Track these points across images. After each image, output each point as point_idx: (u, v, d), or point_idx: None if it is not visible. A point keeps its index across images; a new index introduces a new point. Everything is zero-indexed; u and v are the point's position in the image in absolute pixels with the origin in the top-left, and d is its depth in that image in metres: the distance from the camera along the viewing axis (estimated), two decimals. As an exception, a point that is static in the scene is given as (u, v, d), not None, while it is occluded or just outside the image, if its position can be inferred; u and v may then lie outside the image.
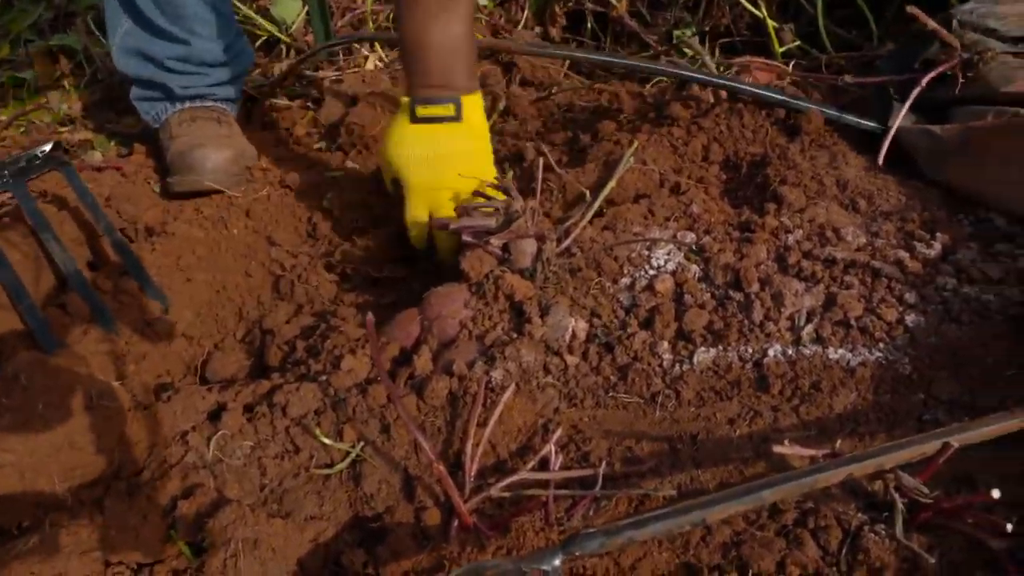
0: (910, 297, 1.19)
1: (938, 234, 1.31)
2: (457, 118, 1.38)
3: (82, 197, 1.58)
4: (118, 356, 1.33)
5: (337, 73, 2.27)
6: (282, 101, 2.19)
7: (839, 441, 1.01)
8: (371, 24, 2.43)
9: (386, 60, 2.36)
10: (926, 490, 0.89)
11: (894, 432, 1.03)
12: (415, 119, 1.38)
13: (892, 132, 1.49)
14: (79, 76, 2.37)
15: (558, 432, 1.08)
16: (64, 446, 1.05)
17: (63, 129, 2.14)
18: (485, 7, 2.61)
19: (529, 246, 1.27)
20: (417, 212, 1.44)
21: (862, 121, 1.59)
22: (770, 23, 2.27)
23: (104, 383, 1.18)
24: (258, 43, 2.51)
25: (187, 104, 1.85)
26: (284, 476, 1.11)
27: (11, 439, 1.01)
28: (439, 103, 1.37)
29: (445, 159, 1.39)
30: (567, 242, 1.32)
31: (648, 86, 2.22)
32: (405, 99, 1.40)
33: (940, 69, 1.51)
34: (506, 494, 1.03)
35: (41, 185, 1.67)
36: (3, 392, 1.07)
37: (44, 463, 1.03)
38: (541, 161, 1.41)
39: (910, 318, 1.16)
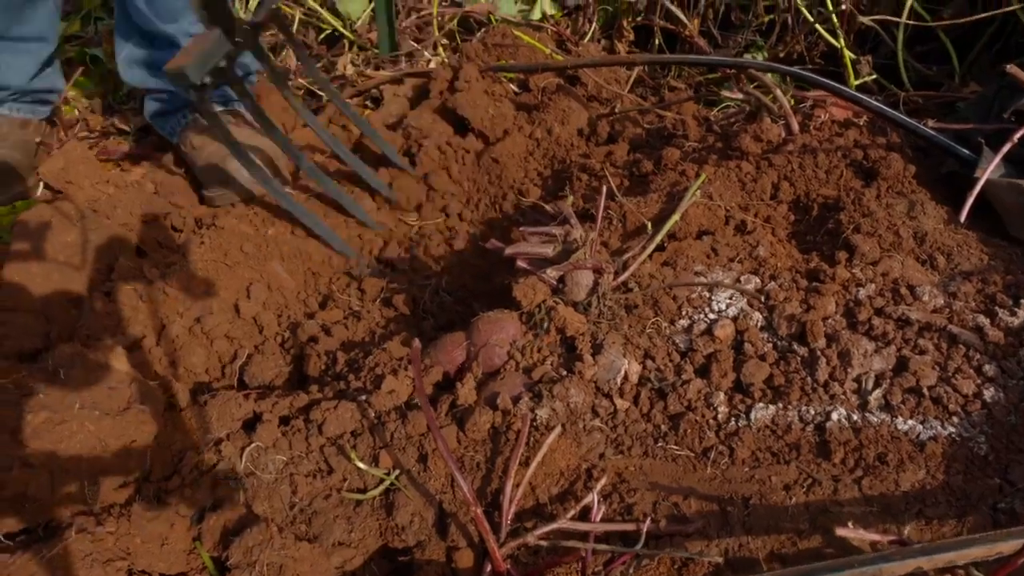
0: (989, 369, 1.11)
1: (1022, 300, 1.22)
2: None
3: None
4: (157, 353, 1.32)
5: (398, 72, 2.24)
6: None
7: (906, 525, 0.94)
8: (436, 27, 2.39)
9: (448, 62, 2.33)
10: (1002, 593, 0.82)
11: (965, 519, 0.96)
12: None
13: (980, 184, 1.40)
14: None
15: (602, 480, 1.03)
16: (97, 448, 1.02)
17: (126, 108, 2.14)
18: (552, 17, 2.56)
19: (586, 278, 1.22)
20: None
21: (959, 148, 1.50)
22: (847, 54, 2.18)
23: (143, 383, 1.16)
24: (322, 36, 2.50)
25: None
26: (315, 496, 1.07)
27: (44, 438, 0.99)
28: None
29: None
30: (625, 276, 1.27)
31: (715, 110, 2.15)
32: None
33: (1036, 123, 1.42)
34: (543, 542, 0.98)
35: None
36: (42, 387, 1.05)
37: (75, 465, 1.00)
38: (604, 188, 1.36)
39: (988, 392, 1.08)
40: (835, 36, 2.24)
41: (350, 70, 2.27)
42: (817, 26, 2.27)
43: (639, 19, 2.53)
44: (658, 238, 1.33)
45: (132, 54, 1.80)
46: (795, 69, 1.65)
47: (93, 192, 1.66)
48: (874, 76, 2.23)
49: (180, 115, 1.86)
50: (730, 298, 1.26)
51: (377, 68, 2.29)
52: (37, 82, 1.81)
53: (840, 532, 0.88)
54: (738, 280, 1.30)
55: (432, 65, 2.29)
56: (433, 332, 1.41)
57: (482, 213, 1.82)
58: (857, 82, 2.19)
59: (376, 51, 2.38)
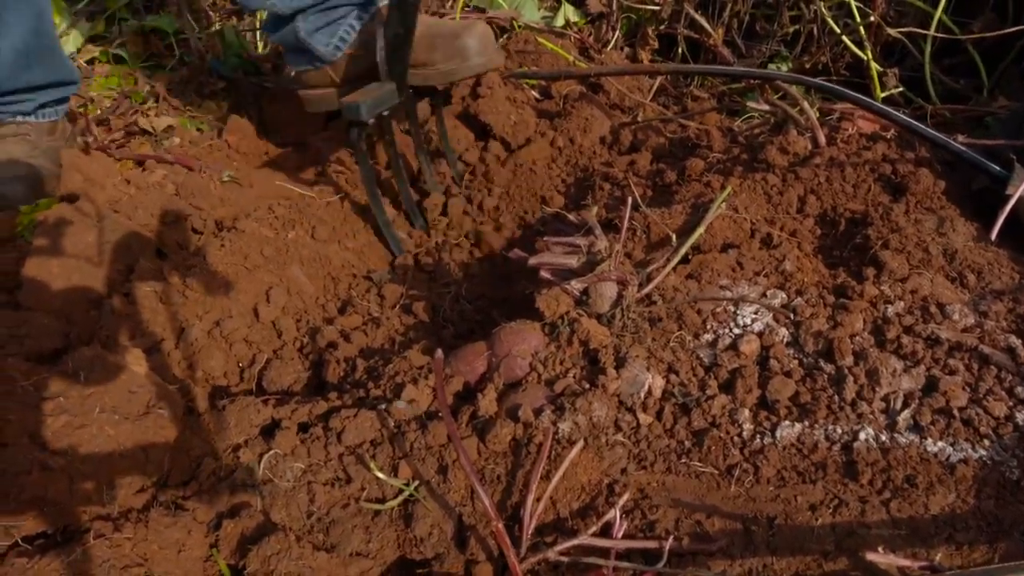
0: (1021, 391, 1.09)
1: (1055, 322, 1.20)
2: None
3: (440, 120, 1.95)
4: (176, 356, 1.31)
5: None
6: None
7: (934, 549, 0.92)
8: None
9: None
10: (1037, 624, 0.80)
11: (997, 544, 0.93)
12: None
13: (1013, 201, 1.38)
14: (169, 57, 2.39)
15: (624, 496, 1.02)
16: (116, 452, 1.02)
17: (148, 108, 2.15)
18: (575, 24, 2.54)
19: (610, 290, 1.20)
20: None
21: (990, 164, 1.47)
22: (874, 66, 2.16)
23: (162, 386, 1.15)
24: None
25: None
26: (333, 505, 1.06)
27: (63, 441, 0.99)
28: None
29: None
30: (649, 288, 1.25)
31: (739, 121, 2.13)
32: None
33: (1070, 141, 1.39)
34: (564, 558, 0.97)
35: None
36: (61, 388, 1.05)
37: (94, 468, 1.00)
38: (629, 200, 1.34)
39: (1021, 415, 1.06)
40: (861, 48, 2.22)
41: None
42: (844, 37, 2.25)
43: (663, 27, 2.51)
44: (683, 250, 1.32)
45: None
46: (821, 81, 1.63)
47: (114, 192, 1.66)
48: (900, 89, 2.21)
49: (346, 25, 1.81)
50: (756, 313, 1.24)
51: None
52: (51, 76, 1.81)
53: (870, 556, 0.86)
54: (764, 295, 1.28)
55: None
56: (453, 340, 1.40)
57: (505, 220, 1.81)
58: (883, 95, 2.17)
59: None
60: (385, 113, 1.66)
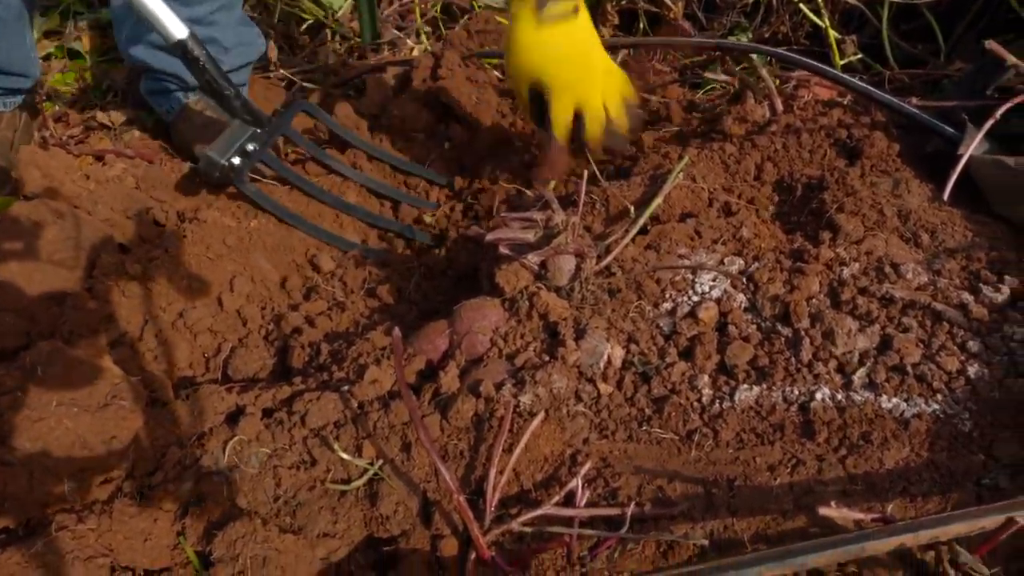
0: (973, 345, 1.11)
1: (1007, 277, 1.22)
2: (576, 12, 1.42)
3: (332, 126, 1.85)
4: (140, 349, 1.31)
5: (381, 61, 2.22)
6: (323, 88, 2.15)
7: (888, 502, 0.94)
8: (419, 15, 2.37)
9: (432, 51, 2.31)
10: (985, 569, 0.82)
11: (950, 495, 0.96)
12: (542, 19, 1.40)
13: (963, 161, 1.40)
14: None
15: (586, 465, 1.03)
16: (76, 445, 1.02)
17: (107, 102, 2.12)
18: (536, 2, 2.53)
19: (567, 263, 1.21)
20: (565, 110, 1.48)
21: (943, 125, 1.49)
22: (832, 33, 2.17)
23: (123, 378, 1.15)
24: (304, 27, 2.48)
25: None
26: (299, 488, 1.07)
27: (22, 436, 0.98)
28: None
29: (585, 53, 1.46)
30: (607, 260, 1.26)
31: (700, 93, 2.14)
32: (525, 4, 1.41)
33: (1018, 99, 1.41)
34: (528, 528, 0.98)
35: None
36: (18, 383, 1.04)
37: (55, 462, 1.00)
38: (585, 173, 1.34)
39: (972, 369, 1.08)
40: (819, 16, 2.22)
41: (333, 59, 2.25)
42: (801, 5, 2.26)
43: (623, 3, 2.50)
44: (640, 221, 1.32)
45: (133, 32, 1.82)
46: (775, 49, 1.64)
47: (74, 188, 1.64)
48: (860, 56, 2.22)
49: (182, 93, 1.89)
50: (714, 280, 1.25)
51: (360, 57, 2.27)
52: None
53: (822, 511, 0.87)
54: (721, 262, 1.29)
55: (415, 53, 2.27)
56: (417, 321, 1.40)
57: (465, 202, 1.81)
58: (843, 62, 2.18)
59: (359, 40, 2.36)
60: (249, 147, 1.64)
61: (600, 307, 1.21)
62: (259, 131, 1.65)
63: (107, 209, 1.60)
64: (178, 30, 1.48)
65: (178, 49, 1.49)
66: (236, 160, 1.59)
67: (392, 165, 1.87)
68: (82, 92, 2.15)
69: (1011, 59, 1.44)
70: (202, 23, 1.73)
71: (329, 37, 2.43)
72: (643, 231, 1.36)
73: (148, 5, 1.46)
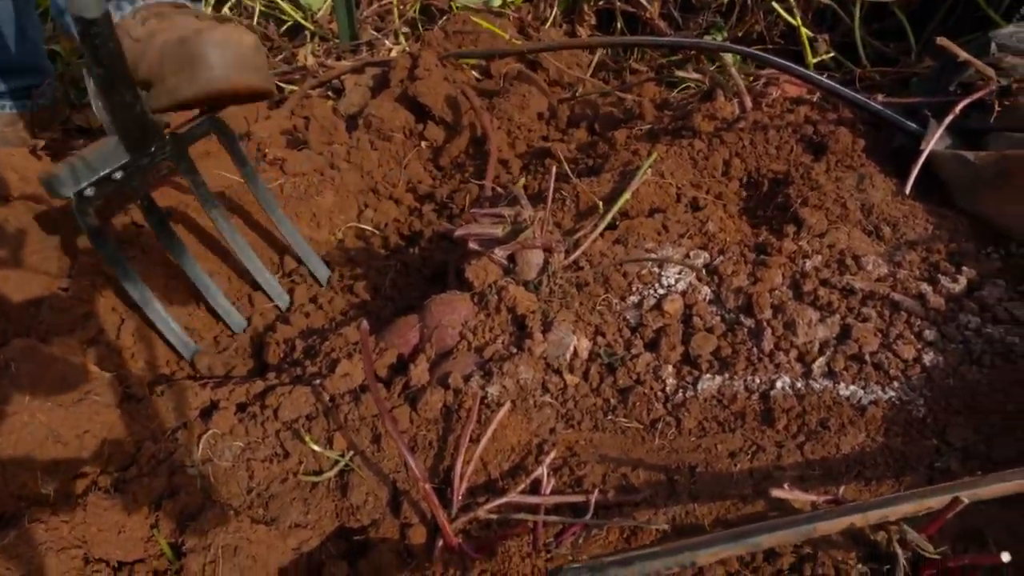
0: (930, 334, 1.14)
1: (964, 268, 1.25)
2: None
3: (236, 159, 1.48)
4: (116, 347, 1.32)
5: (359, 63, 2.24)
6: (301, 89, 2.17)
7: (844, 486, 0.97)
8: (397, 16, 2.39)
9: (410, 51, 2.33)
10: (931, 547, 0.84)
11: (903, 478, 0.98)
12: None
13: (924, 155, 1.43)
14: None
15: (552, 454, 1.05)
16: (49, 439, 1.03)
17: (85, 104, 2.13)
18: (513, 3, 2.56)
19: (536, 258, 1.23)
20: None
21: (906, 121, 1.52)
22: (804, 32, 2.20)
23: (97, 374, 1.16)
24: (283, 28, 2.50)
25: (139, 1, 1.42)
26: (272, 480, 1.09)
27: (-5, 430, 1.00)
28: None
29: None
30: (576, 255, 1.28)
31: (675, 92, 2.17)
32: None
33: (976, 96, 1.44)
34: (494, 516, 1.00)
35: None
36: (-9, 380, 1.06)
37: (28, 456, 1.01)
38: (555, 169, 1.37)
39: (928, 357, 1.11)
40: (792, 15, 2.26)
41: (311, 61, 2.27)
42: (775, 4, 2.29)
43: (600, 3, 2.54)
44: (608, 217, 1.35)
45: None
46: (744, 48, 1.67)
47: (51, 189, 1.66)
48: (832, 54, 2.25)
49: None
50: (679, 273, 1.28)
51: (338, 58, 2.29)
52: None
53: (775, 493, 0.90)
54: (687, 256, 1.32)
55: (393, 54, 2.29)
56: (392, 317, 1.42)
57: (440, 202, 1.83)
58: (815, 60, 2.22)
59: (337, 41, 2.38)
60: (116, 176, 1.27)
61: (568, 300, 1.23)
62: (139, 155, 1.29)
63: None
64: (92, 3, 1.09)
65: (81, 25, 1.10)
66: (89, 192, 1.24)
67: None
68: (61, 94, 2.16)
69: (963, 55, 1.47)
70: None
71: (308, 38, 2.44)
72: (612, 226, 1.39)
73: None
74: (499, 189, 1.45)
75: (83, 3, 1.08)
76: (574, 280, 1.26)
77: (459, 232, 1.21)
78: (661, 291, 1.25)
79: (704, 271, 1.27)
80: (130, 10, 1.39)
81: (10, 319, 1.32)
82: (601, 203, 1.41)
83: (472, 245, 1.23)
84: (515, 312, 1.20)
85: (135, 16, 1.37)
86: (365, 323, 1.03)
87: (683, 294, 1.24)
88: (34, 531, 0.95)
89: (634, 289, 1.26)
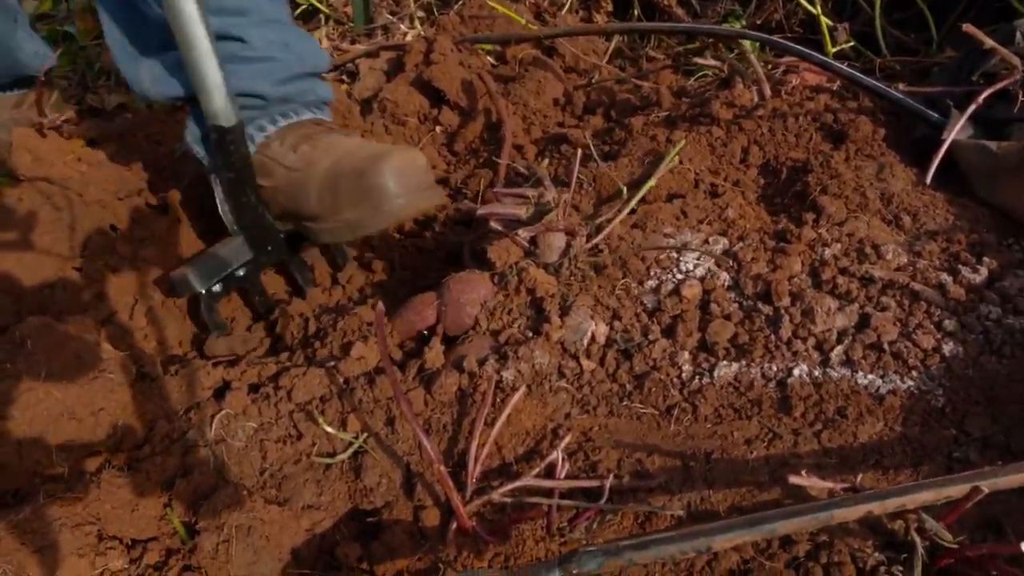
0: (949, 324, 1.12)
1: (985, 259, 1.23)
2: None
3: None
4: (130, 327, 1.32)
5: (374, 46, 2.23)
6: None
7: (861, 474, 0.96)
8: (412, 0, 2.38)
9: (425, 36, 2.32)
10: (949, 536, 0.84)
11: (921, 468, 0.97)
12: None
13: (946, 145, 1.41)
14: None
15: (567, 439, 1.05)
16: (64, 416, 1.03)
17: (99, 86, 2.13)
18: (529, -12, 2.54)
19: (558, 240, 1.23)
20: None
21: (926, 110, 1.50)
22: (824, 21, 2.17)
23: (112, 353, 1.16)
24: (298, 11, 2.49)
25: (281, 122, 1.39)
26: (285, 461, 1.09)
27: (10, 406, 1.00)
28: None
29: None
30: (597, 239, 1.27)
31: (692, 80, 2.15)
32: None
33: (1000, 85, 1.42)
34: (508, 499, 1.00)
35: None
36: (7, 356, 1.06)
37: (43, 432, 1.01)
38: (580, 151, 1.35)
39: (948, 347, 1.09)
40: (812, 3, 2.23)
41: (325, 44, 2.26)
42: (793, -7, 2.27)
43: (617, -11, 2.52)
44: (633, 202, 1.34)
45: (159, 65, 1.37)
46: (764, 35, 1.66)
47: (65, 170, 1.66)
48: (852, 43, 2.23)
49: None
50: (698, 259, 1.27)
51: (353, 42, 2.28)
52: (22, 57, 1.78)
53: (793, 480, 0.89)
54: (706, 241, 1.31)
55: (408, 38, 2.28)
56: (406, 297, 1.42)
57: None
58: (835, 49, 2.19)
59: (352, 25, 2.37)
60: (240, 274, 1.35)
61: (587, 284, 1.22)
62: (260, 252, 1.37)
63: (99, 191, 1.61)
64: (231, 113, 1.18)
65: (217, 133, 1.20)
66: (217, 288, 1.32)
67: None
68: (75, 75, 2.16)
69: (988, 42, 1.45)
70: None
71: (323, 22, 2.43)
72: (631, 210, 1.38)
73: (208, 72, 1.16)
74: (521, 169, 1.44)
75: (219, 109, 1.17)
76: (593, 264, 1.25)
77: (481, 211, 1.20)
78: (680, 276, 1.24)
79: (723, 257, 1.26)
80: (273, 132, 1.37)
81: (24, 299, 1.32)
82: (624, 187, 1.39)
83: (494, 224, 1.22)
84: (535, 294, 1.19)
85: (282, 143, 1.35)
86: (381, 305, 1.03)
87: (701, 280, 1.23)
88: (49, 508, 0.96)
89: (652, 274, 1.25)
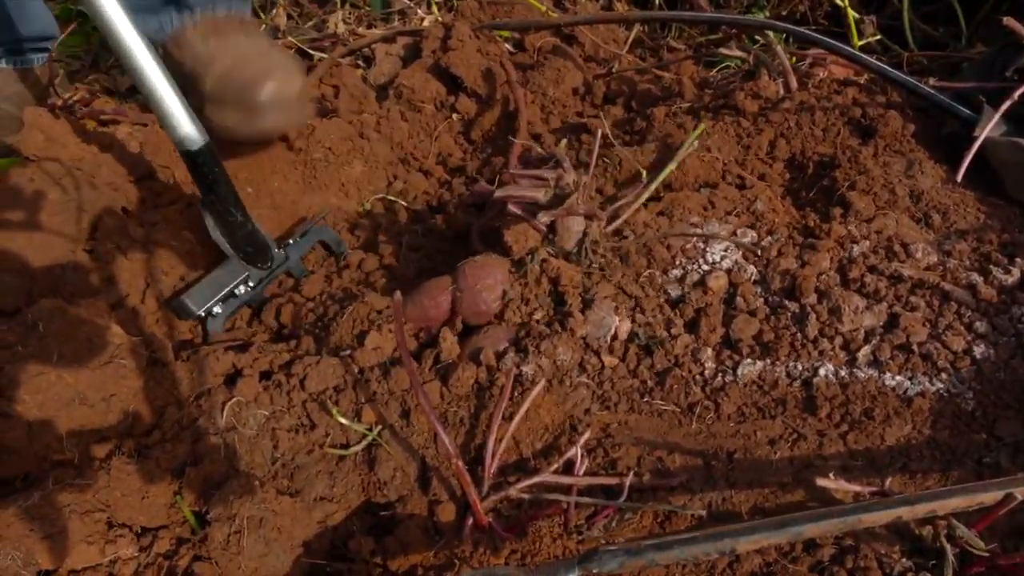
0: (980, 326, 1.09)
1: (1017, 259, 1.20)
2: None
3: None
4: (141, 311, 1.30)
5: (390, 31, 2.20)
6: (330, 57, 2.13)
7: (888, 478, 0.93)
8: (430, -17, 2.35)
9: (442, 20, 2.29)
10: (981, 543, 0.81)
11: (950, 473, 0.95)
12: None
13: (979, 142, 1.37)
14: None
15: (587, 435, 1.02)
16: (75, 401, 1.01)
17: (112, 66, 2.11)
18: (550, -25, 2.50)
19: (577, 224, 1.19)
20: None
21: (959, 106, 1.46)
22: (851, 13, 2.13)
23: (124, 337, 1.15)
24: (314, -6, 2.46)
25: (198, 11, 1.54)
26: (297, 451, 1.07)
27: (22, 390, 0.98)
28: None
29: None
30: (618, 223, 1.24)
31: (714, 71, 2.11)
32: None
33: (1037, 79, 1.38)
34: (526, 495, 0.98)
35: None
36: (20, 339, 1.04)
37: (53, 417, 1.00)
38: (599, 132, 1.32)
39: (978, 349, 1.06)
40: (838, -6, 2.19)
41: (341, 28, 2.23)
42: (819, -16, 2.22)
43: (638, -23, 2.47)
44: (654, 186, 1.31)
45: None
46: (791, 26, 1.62)
47: (77, 151, 1.64)
48: (878, 37, 2.18)
49: (175, 10, 1.63)
50: (725, 250, 1.24)
51: (369, 26, 2.25)
52: (25, 29, 1.76)
53: (820, 482, 0.87)
54: (734, 233, 1.28)
55: (426, 23, 2.25)
56: (414, 278, 1.40)
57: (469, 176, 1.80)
58: (861, 43, 2.14)
59: (368, 8, 2.34)
60: (239, 291, 1.35)
61: (609, 272, 1.19)
62: (257, 269, 1.37)
63: (110, 172, 1.59)
64: (195, 135, 1.19)
65: (187, 158, 1.22)
66: (217, 308, 1.32)
67: None
68: (88, 55, 2.14)
69: (1030, 37, 1.41)
70: None
71: (338, 5, 2.40)
72: (656, 198, 1.35)
73: (166, 100, 1.17)
74: (540, 149, 1.41)
75: (185, 135, 1.19)
76: (617, 250, 1.22)
77: (499, 193, 1.16)
78: (706, 267, 1.21)
79: (751, 250, 1.23)
80: (190, 21, 1.51)
81: (34, 281, 1.31)
82: (644, 172, 1.36)
83: (512, 207, 1.18)
84: (557, 284, 1.16)
85: (197, 29, 1.48)
86: (399, 295, 1.01)
87: (728, 272, 1.20)
88: (59, 494, 0.94)
89: (678, 263, 1.22)
